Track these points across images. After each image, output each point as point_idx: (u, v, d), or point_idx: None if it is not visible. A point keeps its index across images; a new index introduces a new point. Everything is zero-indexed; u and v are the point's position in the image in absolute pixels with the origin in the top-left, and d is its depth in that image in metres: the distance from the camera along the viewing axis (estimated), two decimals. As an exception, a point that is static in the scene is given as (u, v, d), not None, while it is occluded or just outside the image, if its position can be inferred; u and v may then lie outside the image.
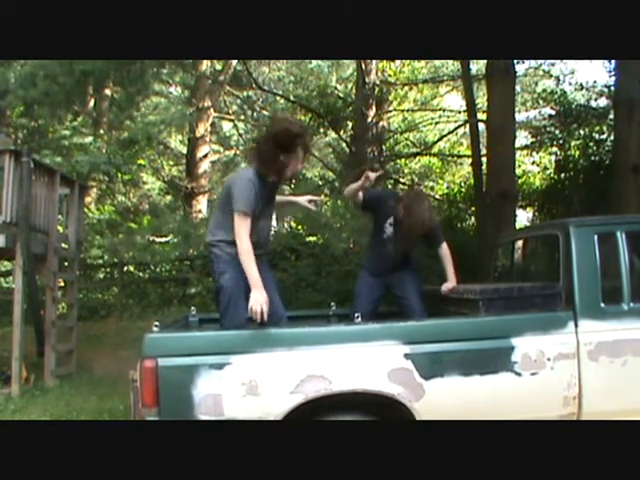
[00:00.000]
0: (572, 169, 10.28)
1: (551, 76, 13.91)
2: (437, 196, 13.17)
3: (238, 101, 17.75)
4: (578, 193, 9.47)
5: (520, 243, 4.32)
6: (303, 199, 3.67)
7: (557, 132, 11.17)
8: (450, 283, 3.78)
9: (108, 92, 13.22)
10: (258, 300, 2.94)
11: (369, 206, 4.04)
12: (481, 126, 9.76)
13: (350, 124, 12.34)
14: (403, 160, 14.12)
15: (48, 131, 12.26)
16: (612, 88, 9.52)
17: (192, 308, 4.18)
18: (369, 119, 11.53)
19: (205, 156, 15.23)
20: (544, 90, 13.08)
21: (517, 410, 2.79)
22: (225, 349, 2.69)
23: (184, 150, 16.85)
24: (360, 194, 3.90)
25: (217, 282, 3.33)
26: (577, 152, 10.48)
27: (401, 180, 13.97)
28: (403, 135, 14.53)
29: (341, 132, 12.37)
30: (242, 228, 3.07)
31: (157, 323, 2.79)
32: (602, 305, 3.03)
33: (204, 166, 15.30)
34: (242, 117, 17.63)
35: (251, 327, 3.22)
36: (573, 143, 10.68)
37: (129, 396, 3.10)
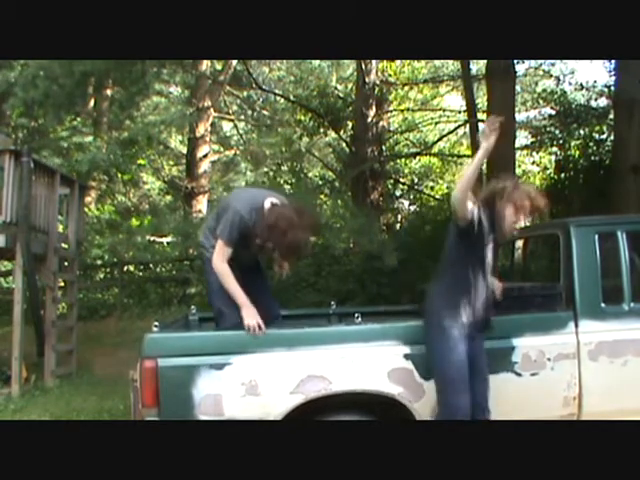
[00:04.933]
0: (572, 169, 10.26)
1: (551, 76, 13.88)
2: (437, 196, 13.16)
3: (238, 101, 17.73)
4: (578, 193, 9.46)
5: (520, 243, 4.32)
6: (277, 263, 3.53)
7: (557, 132, 11.15)
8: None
9: (108, 92, 13.21)
10: (250, 317, 2.96)
11: (475, 222, 2.69)
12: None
13: (350, 124, 12.33)
14: (403, 160, 14.11)
15: (48, 131, 12.26)
16: (612, 88, 9.51)
17: (192, 307, 4.17)
18: (369, 119, 11.51)
19: (205, 156, 15.21)
20: (544, 90, 13.05)
21: (517, 410, 2.79)
22: (225, 349, 2.69)
23: (184, 150, 16.83)
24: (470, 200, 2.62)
25: (208, 282, 3.37)
26: (577, 152, 10.47)
27: (401, 180, 13.97)
28: (403, 135, 14.52)
29: (341, 132, 12.36)
30: (219, 254, 3.11)
31: (157, 323, 2.80)
32: (602, 305, 3.02)
33: (204, 166, 15.28)
34: (242, 117, 17.62)
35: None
36: (573, 143, 10.66)
37: (129, 396, 3.10)
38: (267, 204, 3.14)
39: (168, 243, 11.71)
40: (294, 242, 2.92)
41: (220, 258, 3.12)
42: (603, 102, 11.22)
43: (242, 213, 3.10)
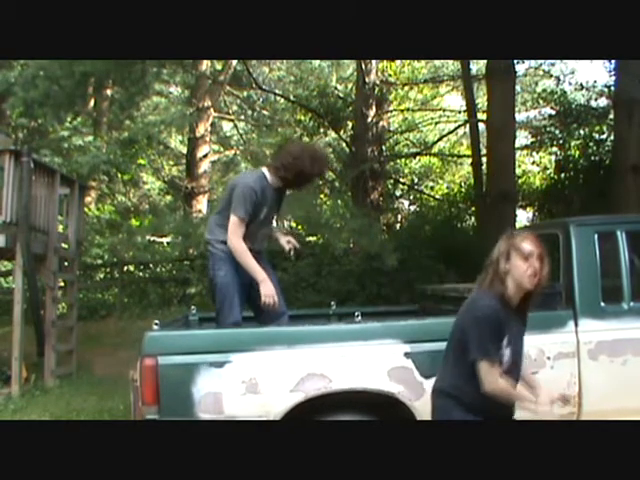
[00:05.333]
0: (572, 169, 10.29)
1: (551, 76, 13.91)
2: (437, 196, 13.17)
3: (238, 101, 17.74)
4: (578, 193, 9.48)
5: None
6: (283, 238, 3.61)
7: (557, 132, 11.18)
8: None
9: (108, 92, 13.22)
10: (268, 293, 3.15)
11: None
12: (481, 126, 9.76)
13: (350, 124, 12.34)
14: (403, 160, 14.13)
15: (48, 131, 12.26)
16: (612, 88, 9.52)
17: (192, 307, 4.18)
18: (369, 119, 11.53)
19: (205, 156, 15.21)
20: (544, 90, 13.08)
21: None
22: (225, 347, 2.69)
23: (184, 150, 16.84)
24: None
25: (212, 279, 3.38)
26: (577, 152, 10.49)
27: (401, 180, 13.98)
28: (403, 135, 14.54)
29: (341, 132, 12.38)
30: (235, 232, 3.19)
31: (157, 321, 2.81)
32: (602, 304, 3.03)
33: (204, 166, 15.29)
34: (242, 117, 17.63)
35: (246, 324, 3.25)
36: (573, 143, 10.69)
37: (129, 396, 3.10)
38: (266, 170, 3.38)
39: (168, 243, 11.73)
40: (321, 159, 3.35)
41: (235, 235, 3.19)
42: (603, 102, 11.25)
43: (250, 184, 3.25)
